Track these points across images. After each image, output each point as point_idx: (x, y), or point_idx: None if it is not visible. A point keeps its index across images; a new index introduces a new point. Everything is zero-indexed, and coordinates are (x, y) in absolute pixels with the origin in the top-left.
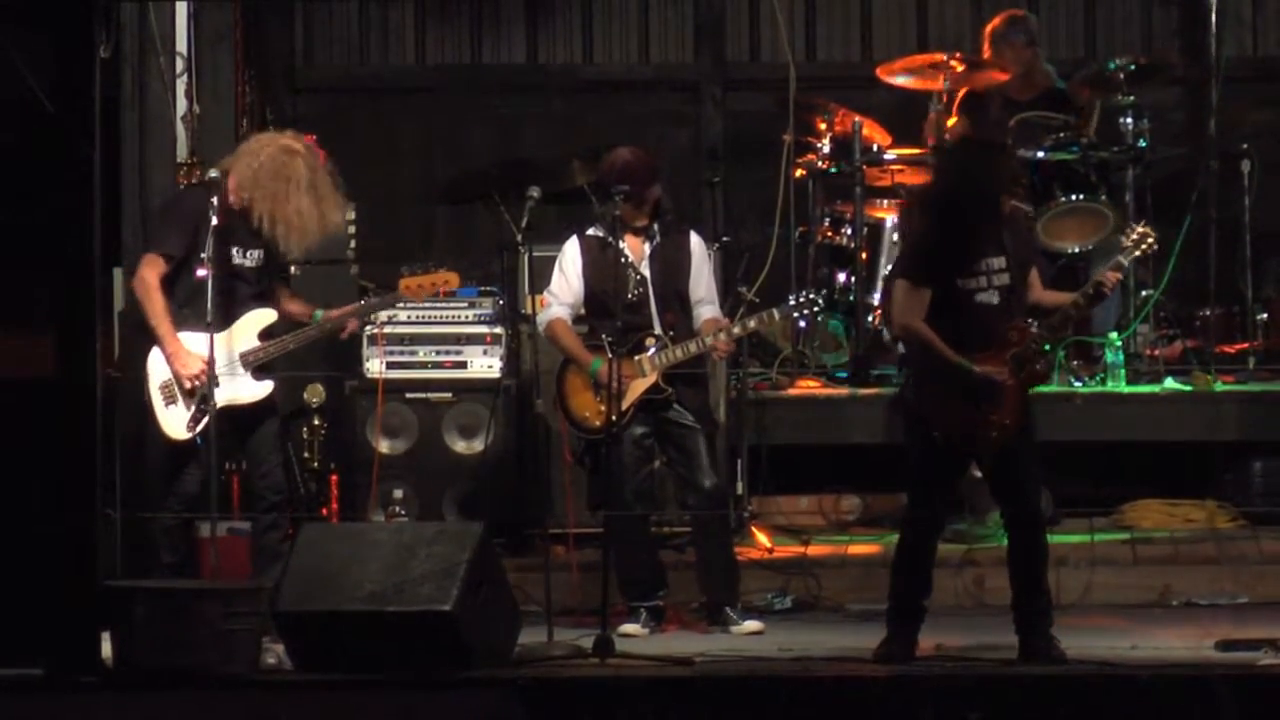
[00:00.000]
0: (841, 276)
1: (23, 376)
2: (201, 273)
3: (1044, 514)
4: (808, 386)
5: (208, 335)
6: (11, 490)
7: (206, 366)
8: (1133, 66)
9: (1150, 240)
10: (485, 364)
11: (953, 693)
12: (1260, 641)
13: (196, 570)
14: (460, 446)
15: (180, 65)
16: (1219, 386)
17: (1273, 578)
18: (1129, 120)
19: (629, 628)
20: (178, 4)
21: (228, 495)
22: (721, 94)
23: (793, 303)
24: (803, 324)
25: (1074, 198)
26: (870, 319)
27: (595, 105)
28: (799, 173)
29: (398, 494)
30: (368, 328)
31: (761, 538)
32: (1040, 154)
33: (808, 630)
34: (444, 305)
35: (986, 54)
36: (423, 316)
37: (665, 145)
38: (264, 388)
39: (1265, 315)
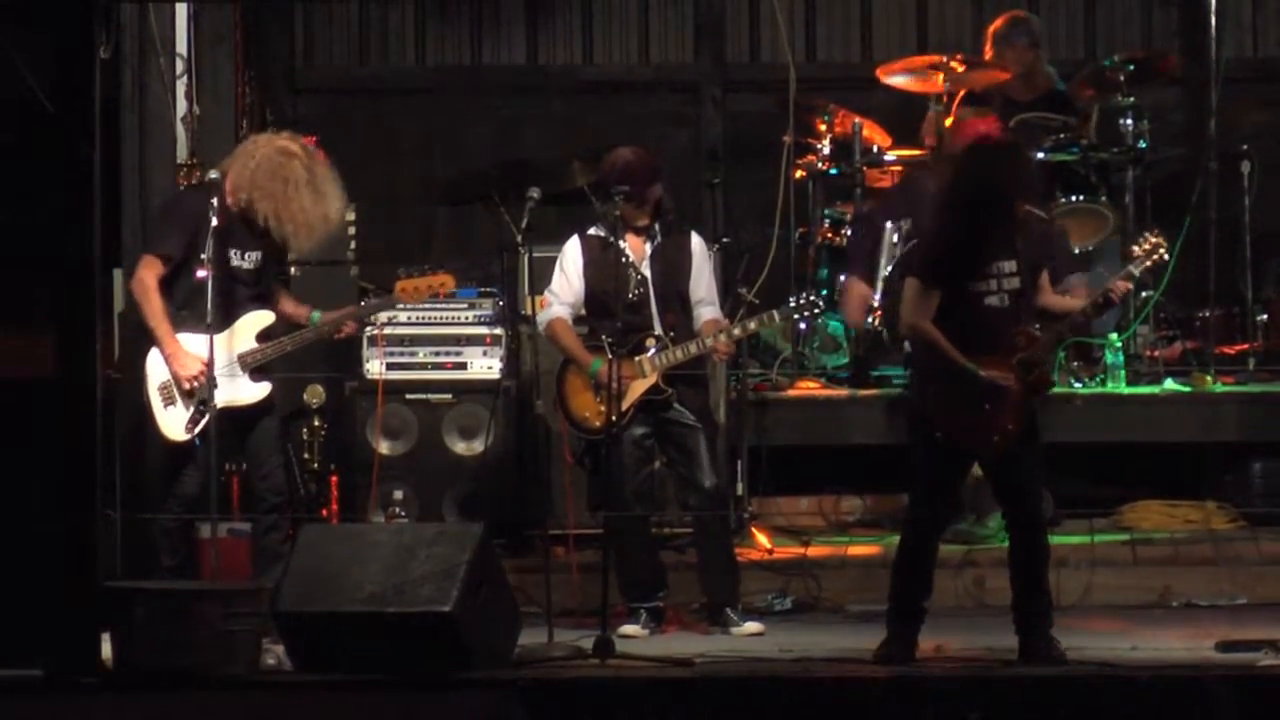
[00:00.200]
0: (842, 278)
1: (23, 377)
2: (201, 274)
3: (1044, 515)
4: (807, 387)
5: (206, 336)
6: (11, 491)
7: (205, 367)
8: (1130, 66)
9: (1162, 250)
10: (485, 365)
11: (953, 693)
12: (1260, 642)
13: (197, 572)
14: (460, 447)
15: (180, 66)
16: (1219, 387)
17: (1272, 579)
18: (1129, 121)
19: (629, 629)
20: (178, 5)
21: (228, 496)
22: (721, 95)
23: (793, 304)
24: (803, 325)
25: (1074, 199)
26: (870, 320)
27: (595, 106)
28: (799, 174)
29: (398, 495)
30: (368, 329)
31: (761, 539)
32: (1040, 155)
33: (808, 631)
34: (444, 306)
35: (988, 54)
36: (423, 318)
37: (665, 146)
38: (262, 389)
39: (1265, 316)
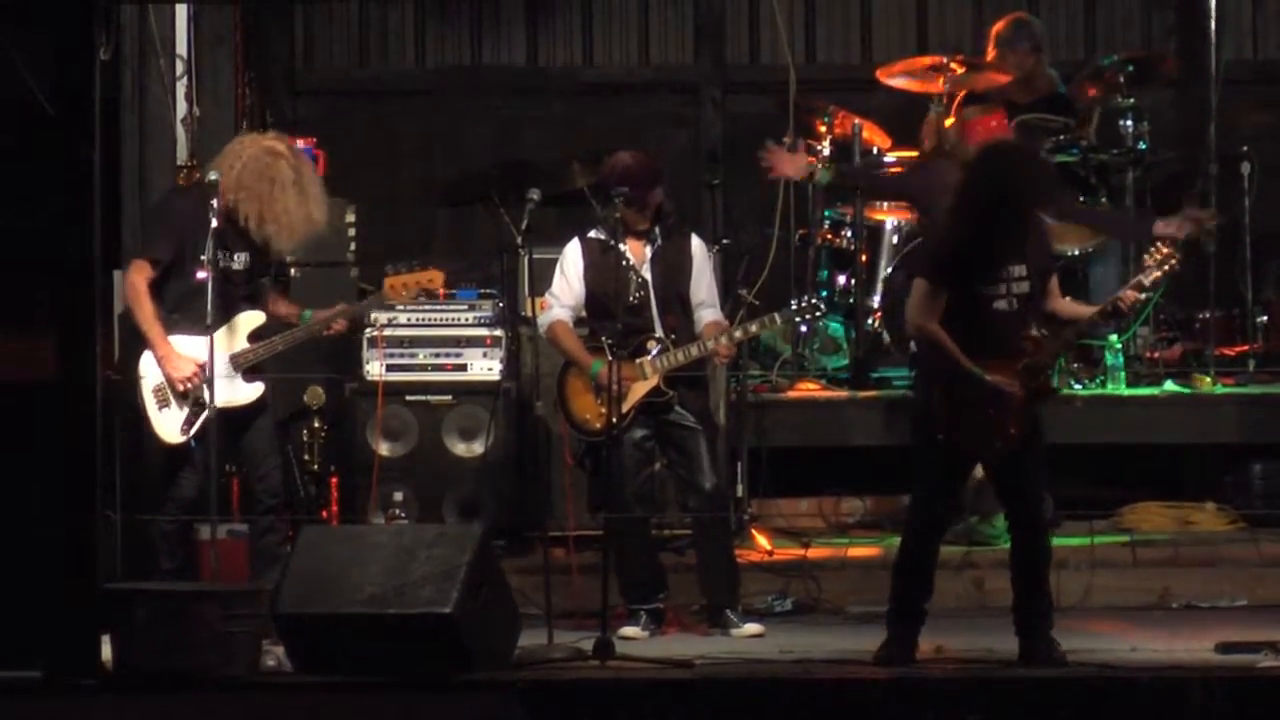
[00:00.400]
0: (841, 279)
1: (23, 379)
2: (201, 275)
3: (1046, 517)
4: (807, 389)
5: (198, 338)
6: (12, 492)
7: (198, 369)
8: (1130, 67)
9: (1174, 260)
10: (485, 366)
11: (953, 695)
12: (1260, 644)
13: (196, 573)
14: (460, 449)
15: (180, 67)
16: (1218, 389)
17: (1272, 580)
18: (1129, 122)
19: (629, 630)
20: (178, 6)
21: (227, 498)
22: (721, 96)
23: (794, 307)
24: (803, 327)
25: None
26: (870, 321)
27: (595, 107)
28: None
29: (398, 496)
30: (368, 330)
31: (761, 540)
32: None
33: (808, 632)
34: (444, 308)
35: (990, 55)
36: (423, 319)
37: (665, 147)
38: (255, 389)
39: (1265, 318)
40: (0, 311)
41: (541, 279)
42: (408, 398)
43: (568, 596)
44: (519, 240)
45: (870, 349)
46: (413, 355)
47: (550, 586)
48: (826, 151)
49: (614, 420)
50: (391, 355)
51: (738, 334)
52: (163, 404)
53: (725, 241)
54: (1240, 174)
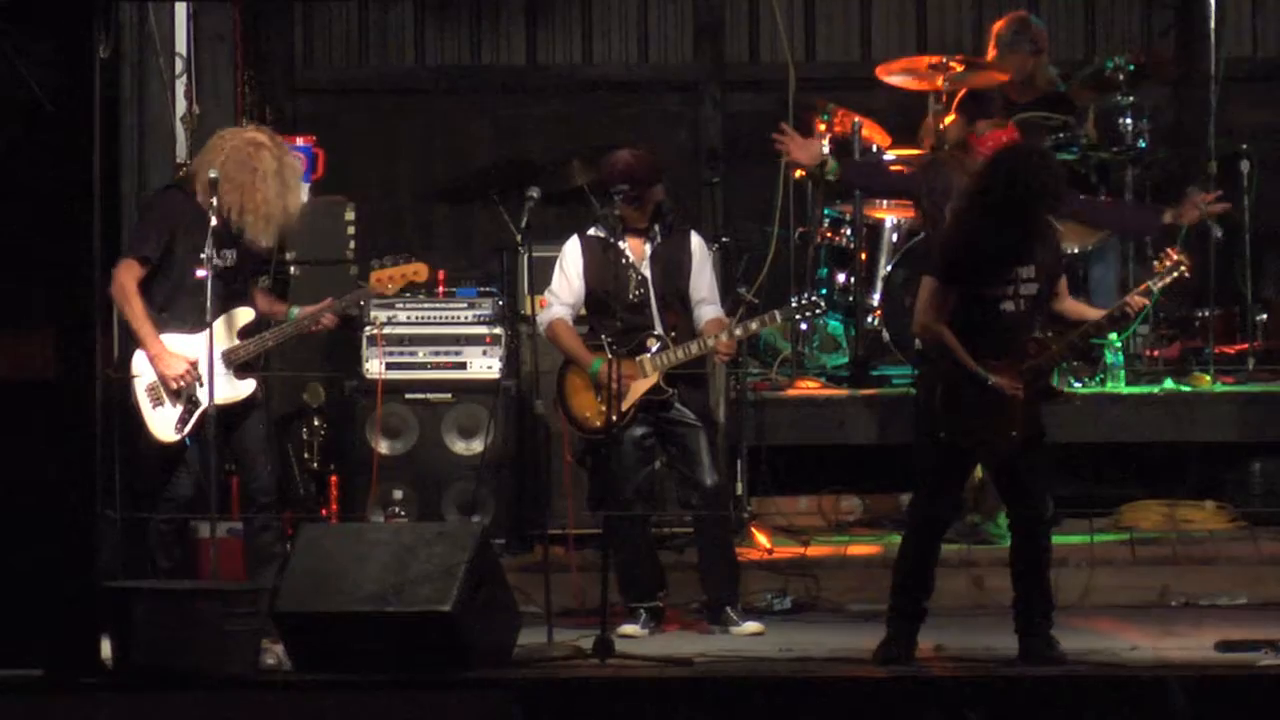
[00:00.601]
0: (841, 277)
1: (22, 377)
2: (201, 273)
3: (1047, 516)
4: (807, 387)
5: (188, 336)
6: (11, 491)
7: (190, 366)
8: (1130, 66)
9: (1184, 268)
10: (485, 364)
11: (952, 693)
12: (1260, 642)
13: (194, 572)
14: (460, 447)
15: (180, 66)
16: (1218, 387)
17: (1272, 578)
18: (1128, 120)
19: (629, 628)
20: (177, 5)
21: (228, 496)
22: (721, 94)
23: (795, 305)
24: (803, 325)
25: None
26: (870, 320)
27: (595, 106)
28: (798, 173)
29: (397, 495)
30: (367, 328)
31: (761, 538)
32: None
33: (807, 631)
34: (443, 306)
35: (991, 54)
36: (422, 317)
37: (664, 146)
38: (246, 387)
39: (1265, 316)
40: (0, 310)
41: (541, 277)
42: (407, 396)
43: (567, 595)
44: (518, 238)
45: (870, 347)
46: (412, 353)
47: (550, 584)
48: (827, 149)
49: (614, 418)
50: (391, 353)
51: (738, 331)
52: (156, 403)
53: (725, 240)
54: (1239, 172)
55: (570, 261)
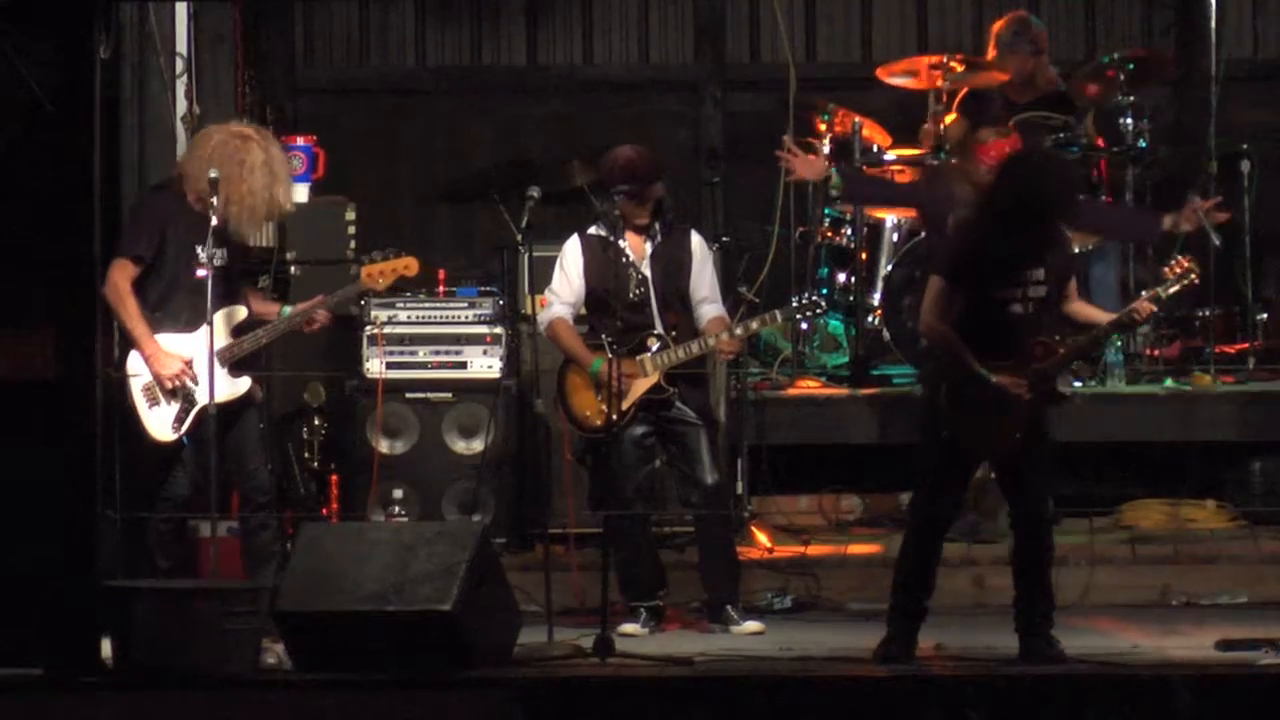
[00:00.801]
0: (841, 276)
1: (22, 377)
2: (202, 273)
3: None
4: (807, 386)
5: (181, 336)
6: (11, 491)
7: (185, 365)
8: (1130, 65)
9: (1193, 276)
10: (485, 364)
11: (953, 693)
12: (1260, 641)
13: (193, 572)
14: (460, 446)
15: (180, 66)
16: (1219, 387)
17: (1273, 577)
18: (1129, 120)
19: (629, 627)
20: (178, 5)
21: (228, 495)
22: (721, 94)
23: (796, 304)
24: (804, 325)
25: None
26: (870, 319)
27: (595, 106)
28: (800, 178)
29: (398, 494)
30: (368, 328)
31: (761, 537)
32: None
33: (808, 630)
34: (444, 305)
35: (991, 54)
36: (422, 316)
37: (665, 145)
38: (242, 384)
39: (1265, 315)
40: (0, 310)
41: (541, 277)
42: (408, 395)
43: (568, 594)
44: (519, 238)
45: (870, 347)
46: (413, 353)
47: (550, 584)
48: (827, 149)
49: (614, 417)
50: (391, 353)
51: (739, 330)
52: (153, 402)
53: (725, 239)
54: (1239, 172)
55: (570, 260)
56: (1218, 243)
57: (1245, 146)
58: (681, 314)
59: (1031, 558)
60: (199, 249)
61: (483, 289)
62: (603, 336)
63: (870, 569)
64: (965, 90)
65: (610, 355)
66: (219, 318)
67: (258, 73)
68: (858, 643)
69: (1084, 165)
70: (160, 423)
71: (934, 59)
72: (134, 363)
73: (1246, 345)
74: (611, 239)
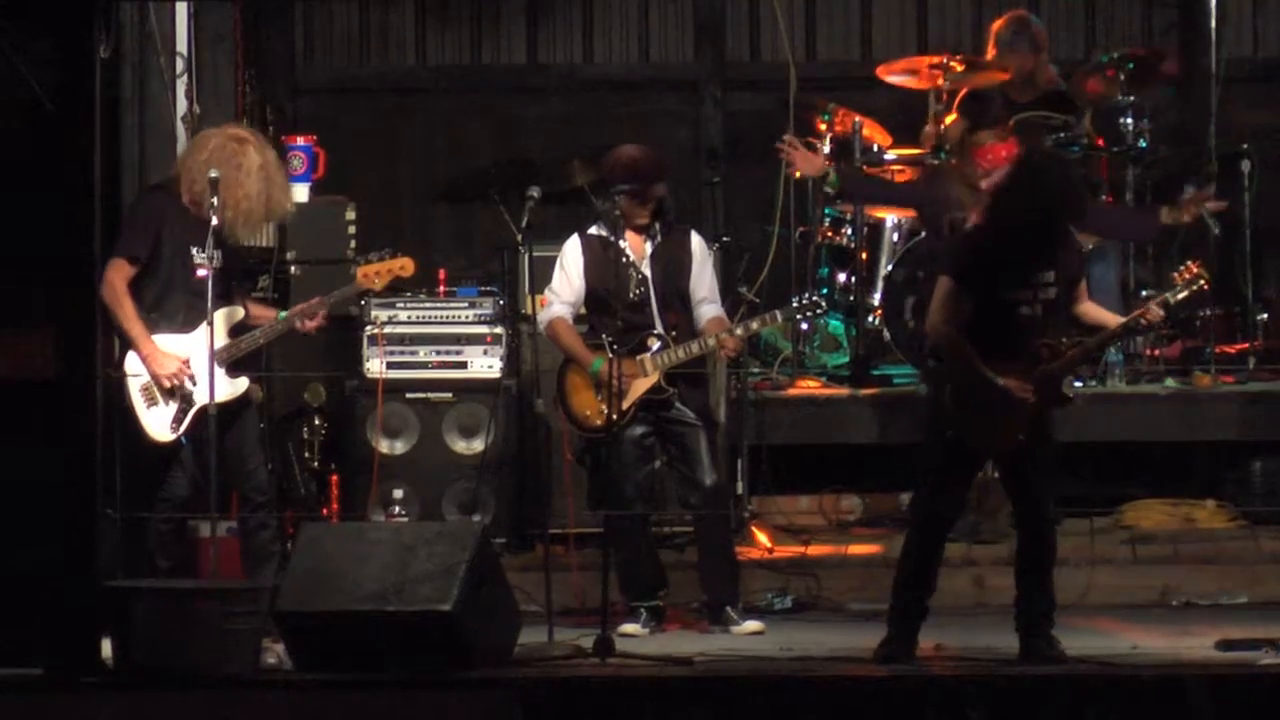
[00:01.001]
0: (842, 276)
1: (22, 377)
2: (202, 273)
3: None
4: (808, 386)
5: (178, 336)
6: (11, 491)
7: (183, 365)
8: (1130, 65)
9: (1203, 282)
10: (485, 364)
11: (953, 692)
12: (1261, 641)
13: (193, 572)
14: (460, 446)
15: (180, 65)
16: (1219, 386)
17: (1273, 578)
18: (1129, 120)
19: (629, 627)
20: (178, 4)
21: (228, 495)
22: (721, 94)
23: (796, 304)
24: (804, 325)
25: None
26: (871, 319)
27: (595, 105)
28: (798, 174)
29: (398, 494)
30: (368, 328)
31: (762, 538)
32: None
33: (808, 630)
34: (444, 305)
35: (991, 53)
36: (423, 316)
37: (665, 145)
38: (240, 385)
39: (1265, 315)
40: (0, 310)
41: (542, 276)
42: (408, 395)
43: (568, 594)
44: (519, 238)
45: (871, 347)
46: (413, 353)
47: (550, 584)
48: (827, 148)
49: (614, 417)
50: (392, 353)
51: (739, 330)
52: (151, 402)
53: (725, 239)
54: (1239, 172)
55: (571, 260)
56: (1217, 231)
57: (1245, 146)
58: (681, 314)
59: (1034, 558)
60: (195, 250)
61: (483, 289)
62: (603, 336)
63: (870, 569)
64: (965, 91)
65: (610, 355)
66: (218, 318)
67: (258, 72)
68: (858, 643)
69: (1084, 165)
70: (158, 423)
71: (934, 59)
72: (132, 363)
73: (1247, 345)
74: (612, 239)
